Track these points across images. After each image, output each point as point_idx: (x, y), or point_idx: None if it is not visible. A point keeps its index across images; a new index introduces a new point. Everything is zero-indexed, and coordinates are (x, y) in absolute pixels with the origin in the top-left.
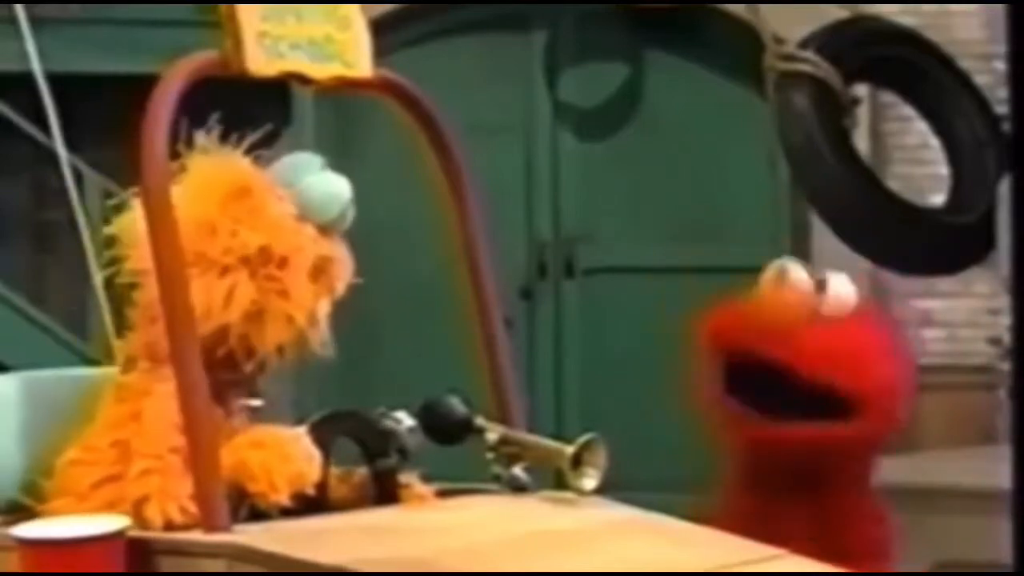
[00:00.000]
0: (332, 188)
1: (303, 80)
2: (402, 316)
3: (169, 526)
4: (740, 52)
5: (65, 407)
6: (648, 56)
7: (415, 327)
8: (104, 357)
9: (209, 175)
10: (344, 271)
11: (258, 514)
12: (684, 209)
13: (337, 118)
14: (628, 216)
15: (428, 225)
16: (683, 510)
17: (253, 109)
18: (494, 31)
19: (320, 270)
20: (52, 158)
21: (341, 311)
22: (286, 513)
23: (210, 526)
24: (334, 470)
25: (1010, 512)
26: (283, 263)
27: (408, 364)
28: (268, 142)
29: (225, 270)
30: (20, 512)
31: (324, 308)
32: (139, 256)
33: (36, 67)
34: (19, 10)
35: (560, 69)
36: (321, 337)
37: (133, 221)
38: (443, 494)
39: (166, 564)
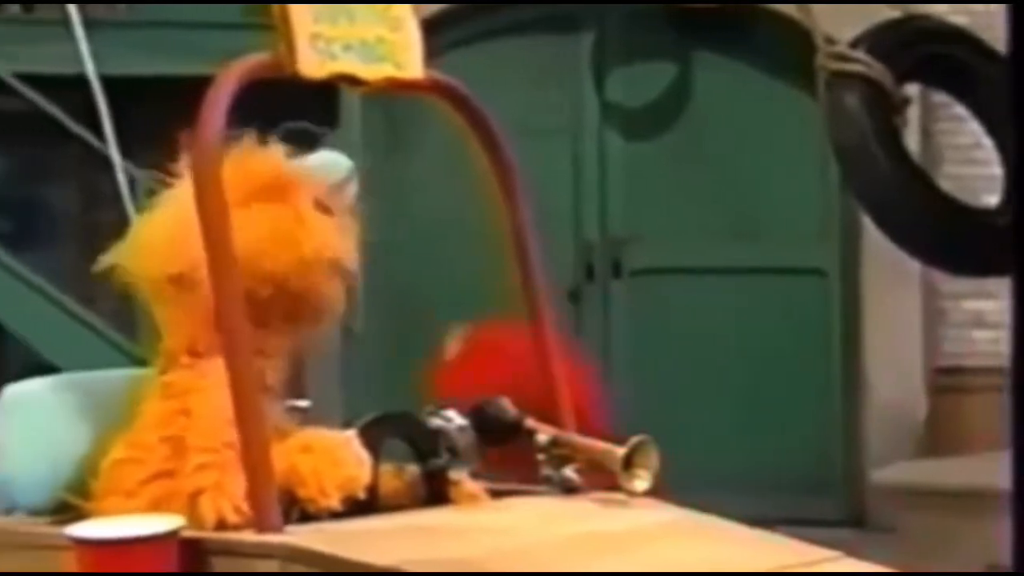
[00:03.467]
0: (332, 157)
1: (355, 82)
2: (451, 315)
3: (221, 524)
4: (789, 52)
5: (112, 407)
6: (696, 56)
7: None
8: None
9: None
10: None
11: (308, 517)
12: (732, 209)
13: (385, 118)
14: (676, 217)
15: (476, 224)
16: (731, 511)
17: (301, 111)
18: (541, 32)
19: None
20: (102, 160)
21: (390, 310)
22: (336, 516)
23: (262, 526)
24: (384, 467)
25: (1011, 512)
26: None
27: None
28: (315, 143)
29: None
30: (69, 512)
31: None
32: (178, 256)
33: (90, 69)
34: (72, 12)
35: (607, 69)
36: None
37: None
38: (493, 494)
39: (218, 564)
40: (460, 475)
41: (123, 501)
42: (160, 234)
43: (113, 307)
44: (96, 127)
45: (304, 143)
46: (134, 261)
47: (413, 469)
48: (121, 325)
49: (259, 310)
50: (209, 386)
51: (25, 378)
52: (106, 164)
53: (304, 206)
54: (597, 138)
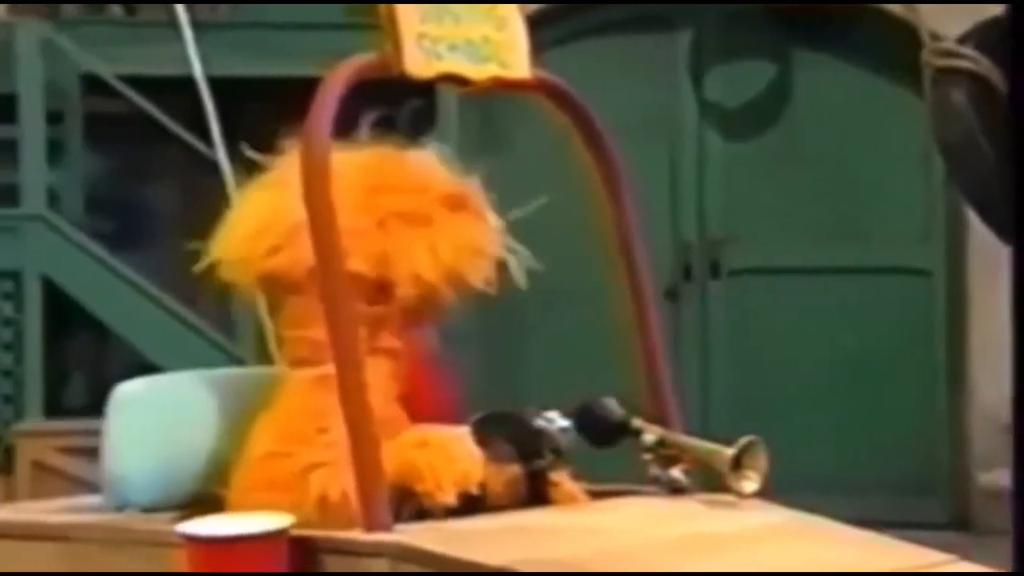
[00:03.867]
0: None
1: (461, 81)
2: (548, 316)
3: (324, 503)
4: (893, 49)
5: (221, 404)
6: (796, 54)
7: (561, 327)
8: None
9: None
10: None
11: (419, 514)
12: (832, 208)
13: (481, 119)
14: (775, 216)
15: (573, 223)
16: (833, 513)
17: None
18: (638, 31)
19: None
20: (203, 161)
21: (488, 311)
22: (448, 513)
23: (371, 525)
24: (493, 480)
25: (1010, 512)
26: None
27: (553, 364)
28: (414, 143)
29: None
30: (201, 506)
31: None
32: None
33: (198, 71)
34: (180, 14)
35: (705, 68)
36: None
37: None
38: (598, 495)
39: (328, 563)
40: (562, 476)
41: (276, 495)
42: (272, 233)
43: (213, 307)
44: (197, 128)
45: (403, 143)
46: (244, 263)
47: (514, 469)
48: (220, 325)
49: (392, 308)
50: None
51: (127, 377)
52: (208, 165)
53: (484, 216)
54: (695, 138)
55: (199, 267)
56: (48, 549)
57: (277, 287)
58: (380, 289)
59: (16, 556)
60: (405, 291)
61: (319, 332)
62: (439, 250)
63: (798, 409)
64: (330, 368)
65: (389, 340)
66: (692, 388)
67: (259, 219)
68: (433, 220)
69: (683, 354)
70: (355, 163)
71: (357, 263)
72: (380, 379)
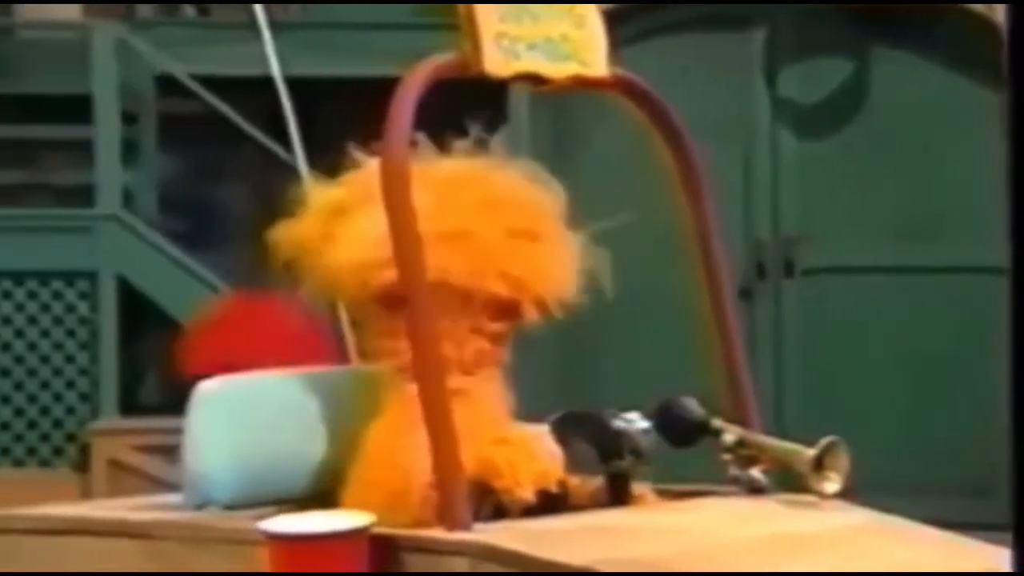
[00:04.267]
0: None
1: (539, 80)
2: (619, 318)
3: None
4: (973, 47)
5: (303, 403)
6: (873, 51)
7: (632, 329)
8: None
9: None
10: None
11: (497, 512)
12: (908, 207)
13: (552, 116)
14: (850, 214)
15: (645, 223)
16: (901, 514)
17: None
18: (711, 29)
19: None
20: (277, 160)
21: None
22: (527, 511)
23: (452, 524)
24: (572, 480)
25: (1011, 512)
26: None
27: (625, 365)
28: (484, 142)
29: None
30: (282, 504)
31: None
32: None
33: (275, 71)
34: (259, 14)
35: (780, 66)
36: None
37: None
38: (675, 495)
39: (409, 561)
40: (642, 487)
41: (388, 496)
42: (369, 249)
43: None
44: (269, 128)
45: (475, 144)
46: (357, 275)
47: (597, 480)
48: None
49: (512, 325)
50: (487, 377)
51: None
52: (280, 164)
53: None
54: (769, 136)
55: (274, 265)
56: (130, 546)
57: (390, 299)
58: (507, 308)
59: (99, 553)
60: (531, 314)
61: (444, 344)
62: (559, 272)
63: (870, 409)
64: (458, 380)
65: (505, 355)
66: (766, 387)
67: (374, 232)
68: (544, 237)
69: (756, 353)
70: (457, 174)
71: (493, 283)
72: (497, 390)
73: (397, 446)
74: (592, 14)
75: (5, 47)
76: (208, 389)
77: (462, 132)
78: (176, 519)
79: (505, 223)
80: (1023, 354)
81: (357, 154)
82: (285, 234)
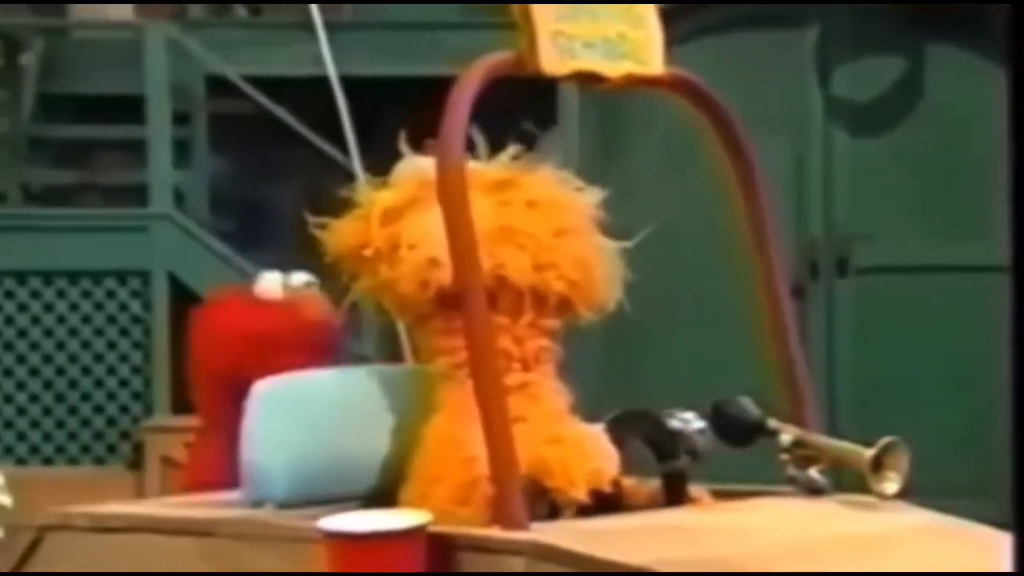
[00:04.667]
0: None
1: (595, 79)
2: (670, 317)
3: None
4: None
5: (359, 402)
6: (929, 49)
7: (682, 328)
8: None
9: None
10: None
11: (552, 511)
12: (964, 206)
13: (601, 116)
14: (905, 213)
15: (695, 222)
16: (960, 516)
17: (519, 108)
18: (762, 27)
19: None
20: (327, 160)
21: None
22: (581, 511)
23: (508, 524)
24: (627, 480)
25: (1011, 512)
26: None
27: (677, 365)
28: (534, 141)
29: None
30: (368, 502)
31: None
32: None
33: (332, 71)
34: (315, 14)
35: (833, 64)
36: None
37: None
38: (734, 496)
39: (466, 560)
40: (700, 490)
41: (451, 492)
42: (425, 248)
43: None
44: (320, 128)
45: (525, 143)
46: (418, 277)
47: (653, 482)
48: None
49: (545, 303)
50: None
51: None
52: (331, 164)
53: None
54: (822, 134)
55: (328, 265)
56: (189, 544)
57: (447, 298)
58: (562, 305)
59: (157, 550)
60: (584, 312)
61: (504, 342)
62: (609, 271)
63: (923, 411)
64: (521, 376)
65: (559, 352)
66: (819, 388)
67: (430, 231)
68: (592, 237)
69: (809, 354)
70: (507, 176)
71: (550, 280)
72: (556, 385)
73: (459, 440)
74: (650, 14)
75: (59, 48)
76: (267, 387)
77: (512, 132)
78: (234, 517)
79: (554, 224)
80: (1023, 354)
81: (411, 154)
82: (339, 235)
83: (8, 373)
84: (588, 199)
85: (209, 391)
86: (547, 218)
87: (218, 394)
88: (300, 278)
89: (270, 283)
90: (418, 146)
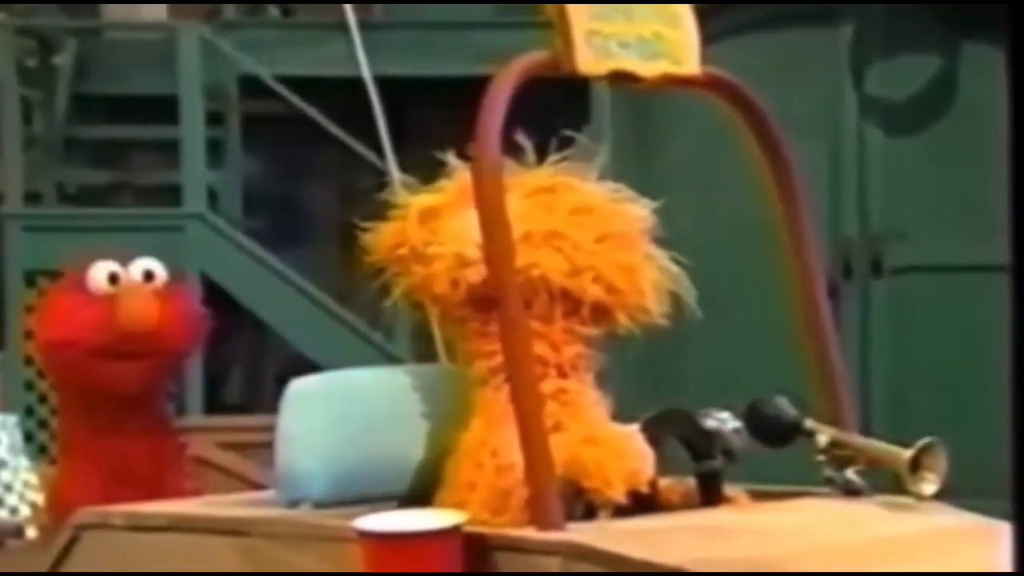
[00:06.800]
0: None
1: (631, 79)
2: (706, 317)
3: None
4: None
5: (396, 403)
6: (963, 48)
7: (719, 328)
8: (409, 355)
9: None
10: None
11: (588, 512)
12: (998, 206)
13: (634, 116)
14: (940, 213)
15: (730, 222)
16: (1000, 517)
17: (551, 108)
18: (796, 26)
19: None
20: (359, 160)
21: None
22: (618, 511)
23: (543, 524)
24: (663, 480)
25: (1011, 512)
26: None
27: (713, 365)
28: (567, 142)
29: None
30: (404, 502)
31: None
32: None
33: (366, 71)
34: (348, 12)
35: (867, 63)
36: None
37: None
38: (770, 497)
39: (501, 560)
40: (736, 490)
41: (487, 497)
42: (461, 250)
43: (369, 306)
44: (353, 128)
45: (559, 144)
46: (452, 277)
47: (688, 481)
48: (373, 322)
49: (583, 310)
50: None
51: (285, 372)
52: (363, 164)
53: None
54: (856, 133)
55: (358, 266)
56: (225, 543)
57: (483, 300)
58: (601, 312)
59: (194, 549)
60: (623, 319)
61: (540, 347)
62: (649, 279)
63: (959, 412)
64: (557, 383)
65: (598, 360)
66: (852, 387)
67: (466, 233)
68: (633, 244)
69: (843, 353)
70: (547, 181)
71: (588, 286)
72: (594, 394)
73: (495, 447)
74: (686, 13)
75: (92, 48)
76: (302, 387)
77: (544, 133)
78: (270, 516)
79: (596, 230)
80: (1023, 354)
81: (446, 155)
82: (376, 236)
83: (43, 373)
84: (638, 210)
85: (63, 401)
86: (590, 224)
87: (71, 403)
88: (140, 265)
89: (101, 274)
90: (455, 146)
